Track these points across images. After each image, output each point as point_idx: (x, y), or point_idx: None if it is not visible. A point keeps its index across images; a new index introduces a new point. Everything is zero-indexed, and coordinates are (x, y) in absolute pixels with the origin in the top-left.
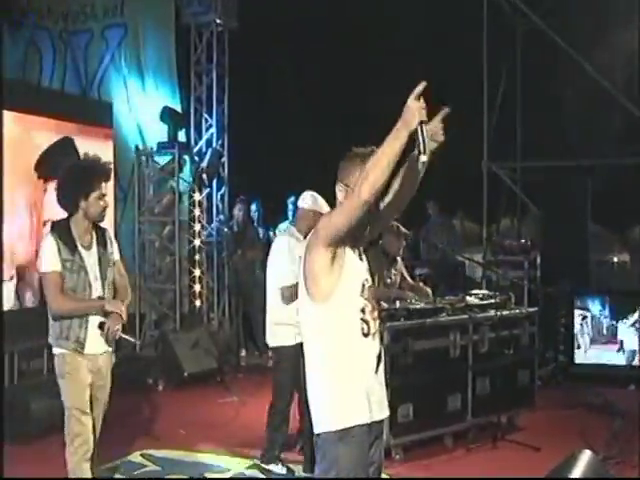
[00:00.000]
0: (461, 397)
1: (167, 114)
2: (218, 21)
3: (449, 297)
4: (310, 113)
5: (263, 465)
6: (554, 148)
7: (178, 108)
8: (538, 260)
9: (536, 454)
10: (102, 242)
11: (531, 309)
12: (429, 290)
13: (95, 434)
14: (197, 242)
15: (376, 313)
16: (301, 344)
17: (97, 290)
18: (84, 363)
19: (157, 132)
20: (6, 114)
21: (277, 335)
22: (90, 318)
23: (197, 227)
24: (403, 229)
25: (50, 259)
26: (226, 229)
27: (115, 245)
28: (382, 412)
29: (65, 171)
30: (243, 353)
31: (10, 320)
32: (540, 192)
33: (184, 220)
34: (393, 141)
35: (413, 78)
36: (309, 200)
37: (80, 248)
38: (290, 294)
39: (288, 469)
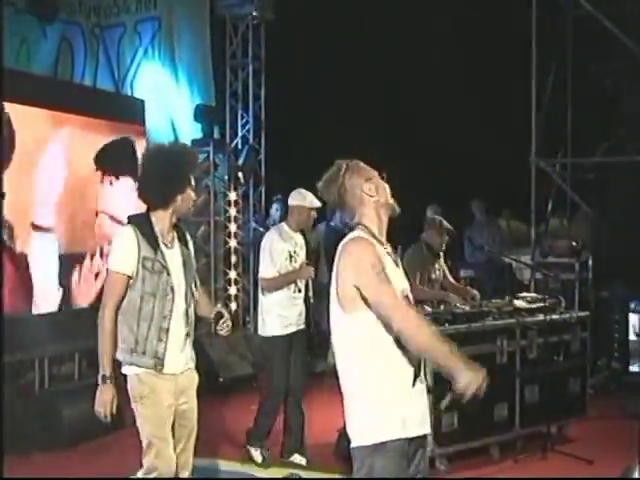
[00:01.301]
0: (508, 406)
1: (201, 113)
2: (254, 13)
3: (495, 300)
4: (350, 108)
5: (295, 474)
6: (606, 144)
7: (213, 104)
8: (590, 262)
9: (588, 467)
10: (184, 241)
11: (582, 313)
12: (476, 292)
13: (178, 468)
14: (233, 243)
15: None
16: (290, 335)
17: (180, 297)
18: (164, 384)
19: (191, 129)
20: (38, 111)
21: (266, 325)
22: (171, 328)
23: (233, 227)
24: (446, 224)
25: (123, 257)
26: (262, 229)
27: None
28: (421, 428)
29: (157, 161)
30: None
31: (39, 324)
32: (591, 190)
33: (219, 220)
34: (441, 353)
35: (457, 74)
36: (295, 196)
37: (162, 246)
38: (267, 286)
39: (264, 458)
